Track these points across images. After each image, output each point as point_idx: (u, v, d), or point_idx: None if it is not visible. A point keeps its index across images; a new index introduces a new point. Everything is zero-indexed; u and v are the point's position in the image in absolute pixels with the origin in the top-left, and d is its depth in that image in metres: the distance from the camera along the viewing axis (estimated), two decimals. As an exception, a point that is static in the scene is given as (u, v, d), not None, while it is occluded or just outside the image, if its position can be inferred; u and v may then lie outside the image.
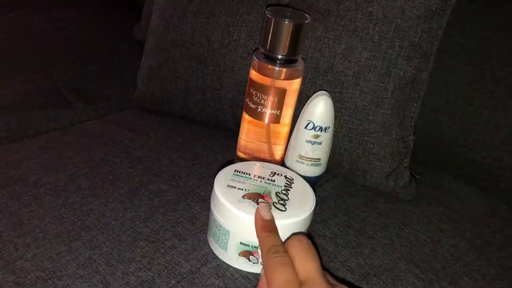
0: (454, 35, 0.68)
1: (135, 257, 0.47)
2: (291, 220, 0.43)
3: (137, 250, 0.48)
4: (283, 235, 0.42)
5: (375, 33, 0.56)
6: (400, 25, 0.56)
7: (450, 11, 0.57)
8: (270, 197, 0.45)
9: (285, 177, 0.49)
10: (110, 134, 0.66)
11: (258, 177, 0.48)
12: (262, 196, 0.45)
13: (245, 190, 0.46)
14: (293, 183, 0.48)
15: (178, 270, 0.46)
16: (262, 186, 0.47)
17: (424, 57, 0.57)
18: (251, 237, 0.43)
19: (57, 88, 0.83)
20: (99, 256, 0.47)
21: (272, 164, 0.51)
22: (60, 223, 0.50)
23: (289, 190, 0.47)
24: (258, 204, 0.44)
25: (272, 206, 0.44)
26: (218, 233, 0.46)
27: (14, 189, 0.54)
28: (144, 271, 0.46)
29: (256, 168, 0.50)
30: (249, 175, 0.48)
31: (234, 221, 0.44)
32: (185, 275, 0.46)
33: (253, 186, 0.46)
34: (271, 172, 0.49)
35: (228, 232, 0.44)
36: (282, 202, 0.45)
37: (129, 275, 0.45)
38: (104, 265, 0.46)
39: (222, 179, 0.47)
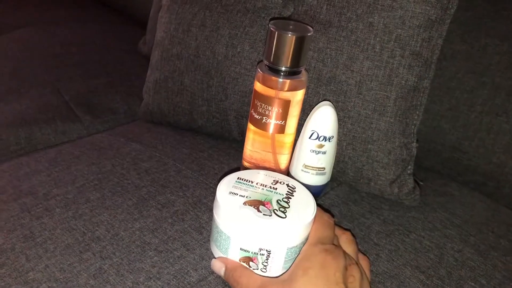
0: (455, 43, 0.69)
1: (145, 267, 0.48)
2: (291, 227, 0.44)
3: (147, 260, 0.49)
4: (283, 242, 0.43)
5: (376, 43, 0.57)
6: (400, 35, 0.57)
7: (450, 20, 0.58)
8: (271, 204, 0.46)
9: (287, 185, 0.50)
10: (118, 147, 0.67)
11: (261, 185, 0.48)
12: (263, 203, 0.46)
13: (246, 197, 0.46)
14: (295, 191, 0.49)
15: (187, 279, 0.47)
16: (264, 194, 0.47)
17: (425, 66, 0.58)
18: (251, 244, 0.44)
19: (65, 103, 0.85)
20: (109, 267, 0.47)
21: (275, 173, 0.52)
22: (70, 235, 0.51)
23: (290, 198, 0.47)
24: (259, 211, 0.44)
25: (272, 213, 0.45)
26: (219, 239, 0.46)
27: (25, 201, 0.55)
28: (154, 281, 0.46)
29: (259, 176, 0.50)
30: (252, 182, 0.49)
31: (234, 227, 0.44)
32: (193, 284, 0.47)
33: (254, 193, 0.47)
34: (274, 180, 0.50)
35: (228, 238, 0.45)
36: (282, 209, 0.45)
37: (139, 284, 0.46)
38: (115, 275, 0.47)
39: (225, 186, 0.47)
